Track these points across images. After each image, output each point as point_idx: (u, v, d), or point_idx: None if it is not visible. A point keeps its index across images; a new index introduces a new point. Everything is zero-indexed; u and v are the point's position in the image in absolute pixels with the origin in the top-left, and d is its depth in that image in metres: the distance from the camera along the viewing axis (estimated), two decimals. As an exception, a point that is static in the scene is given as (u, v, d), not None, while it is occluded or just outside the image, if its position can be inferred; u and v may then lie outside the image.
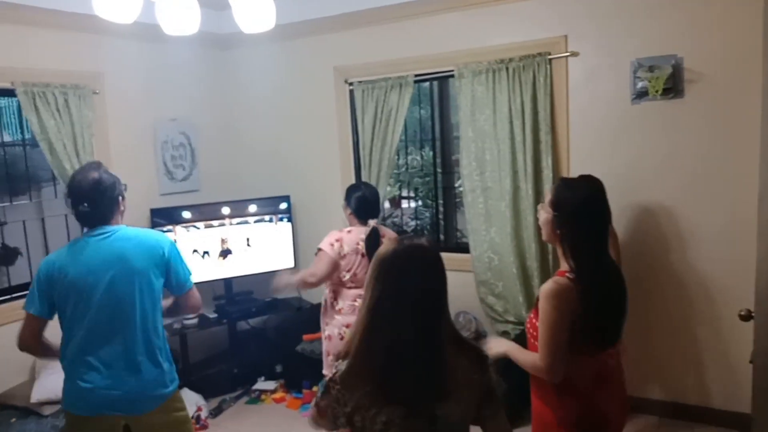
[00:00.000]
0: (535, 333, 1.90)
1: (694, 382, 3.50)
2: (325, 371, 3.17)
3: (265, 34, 4.33)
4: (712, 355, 3.42)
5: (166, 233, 4.07)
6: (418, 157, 5.57)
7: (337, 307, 3.14)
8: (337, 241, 3.11)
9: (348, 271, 3.11)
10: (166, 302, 2.41)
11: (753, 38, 3.00)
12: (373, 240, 3.04)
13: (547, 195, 1.99)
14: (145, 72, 4.26)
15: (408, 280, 1.43)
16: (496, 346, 2.06)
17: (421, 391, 1.41)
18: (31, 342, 2.24)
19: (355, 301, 3.08)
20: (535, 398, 2.01)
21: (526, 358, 1.94)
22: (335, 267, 3.09)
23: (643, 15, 3.36)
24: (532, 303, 3.64)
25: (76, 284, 2.17)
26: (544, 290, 1.85)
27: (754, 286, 1.95)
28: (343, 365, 1.46)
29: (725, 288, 3.31)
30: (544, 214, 1.97)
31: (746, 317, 2.00)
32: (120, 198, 2.30)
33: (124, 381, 2.18)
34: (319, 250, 3.12)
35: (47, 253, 4.00)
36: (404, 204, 5.87)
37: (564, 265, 1.92)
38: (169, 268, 2.30)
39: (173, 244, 2.36)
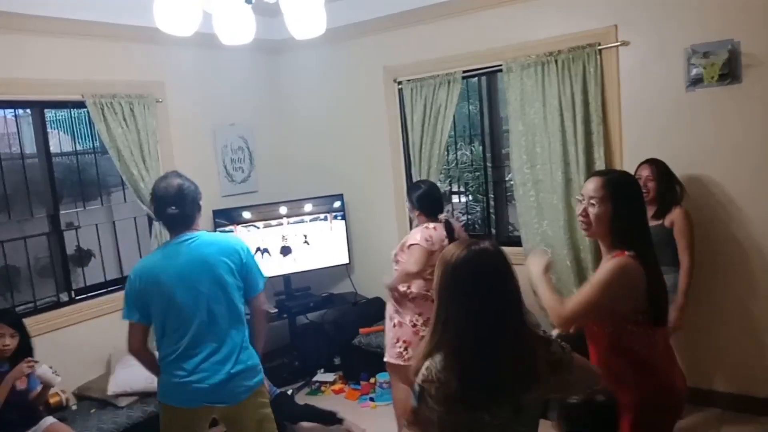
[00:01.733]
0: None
1: (762, 374, 3.40)
2: (387, 358, 3.24)
3: (316, 38, 4.48)
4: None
5: (228, 233, 4.31)
6: (468, 153, 5.59)
7: (411, 296, 3.18)
8: (428, 238, 3.14)
9: (432, 264, 3.14)
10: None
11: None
12: (451, 233, 3.17)
13: (595, 190, 1.94)
14: (203, 79, 4.45)
15: (484, 285, 1.49)
16: (532, 263, 2.08)
17: (507, 383, 1.48)
18: (139, 348, 2.41)
19: (428, 291, 3.11)
20: (609, 380, 1.92)
21: (549, 296, 1.95)
22: (429, 259, 3.08)
23: (689, 3, 3.29)
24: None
25: (170, 289, 2.32)
26: (615, 262, 1.86)
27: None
28: (434, 363, 1.50)
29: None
30: (599, 208, 1.93)
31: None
32: (200, 203, 2.46)
33: (217, 373, 2.34)
34: (412, 245, 3.14)
35: (118, 253, 4.25)
36: (455, 199, 5.90)
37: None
38: (246, 271, 2.46)
39: (249, 248, 2.52)
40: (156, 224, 3.87)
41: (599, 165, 3.59)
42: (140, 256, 4.35)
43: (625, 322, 1.89)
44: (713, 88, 3.28)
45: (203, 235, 2.43)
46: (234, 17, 2.48)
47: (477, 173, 5.27)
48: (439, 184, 4.28)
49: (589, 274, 3.66)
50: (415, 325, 3.16)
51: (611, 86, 3.57)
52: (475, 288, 1.49)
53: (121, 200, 4.37)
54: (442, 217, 3.26)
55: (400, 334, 3.20)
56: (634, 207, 1.94)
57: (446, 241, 3.12)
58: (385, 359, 3.26)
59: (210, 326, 2.35)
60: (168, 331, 2.36)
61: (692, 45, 3.30)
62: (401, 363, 3.12)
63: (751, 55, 3.16)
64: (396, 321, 3.23)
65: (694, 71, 3.31)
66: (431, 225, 3.20)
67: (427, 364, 1.52)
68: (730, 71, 3.20)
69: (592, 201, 1.95)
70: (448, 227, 3.20)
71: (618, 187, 1.94)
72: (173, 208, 2.34)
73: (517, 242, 4.04)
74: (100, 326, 3.73)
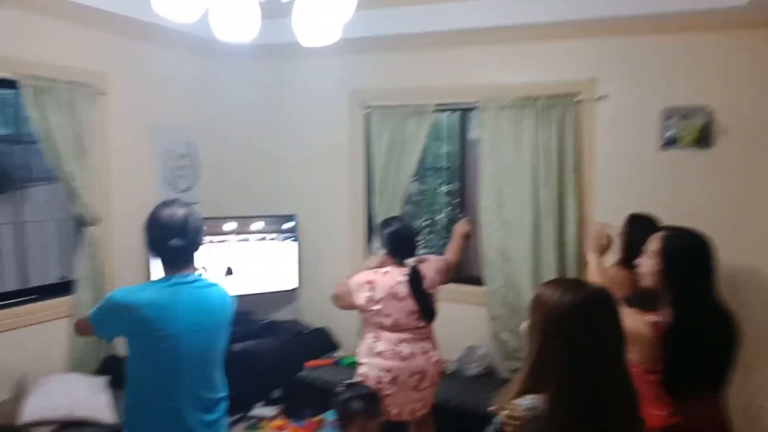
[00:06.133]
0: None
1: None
2: None
3: (281, 51, 4.27)
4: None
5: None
6: (433, 187, 5.48)
7: (376, 350, 2.91)
8: (368, 283, 2.89)
9: (387, 316, 2.88)
10: None
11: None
12: (417, 283, 2.88)
13: (653, 244, 1.99)
14: (152, 76, 4.06)
15: (597, 331, 1.44)
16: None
17: (621, 427, 1.45)
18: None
19: (397, 345, 2.87)
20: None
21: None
22: (353, 308, 2.96)
23: (674, 65, 3.43)
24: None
25: (174, 336, 2.02)
26: (633, 321, 1.86)
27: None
28: (532, 405, 1.44)
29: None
30: (651, 263, 1.98)
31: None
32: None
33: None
34: (353, 278, 2.95)
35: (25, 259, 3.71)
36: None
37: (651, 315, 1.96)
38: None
39: None
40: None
41: (570, 212, 3.63)
42: (59, 265, 3.84)
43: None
44: (685, 151, 3.41)
45: (206, 280, 2.18)
46: (237, 12, 2.25)
47: (432, 207, 5.19)
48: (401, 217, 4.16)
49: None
50: (380, 382, 2.87)
51: (587, 136, 3.63)
52: (592, 332, 1.43)
53: (36, 197, 3.82)
54: (410, 261, 2.95)
55: None
56: (690, 263, 1.94)
57: (398, 288, 2.86)
58: None
59: (201, 382, 2.14)
60: (156, 376, 2.07)
61: (669, 106, 3.43)
62: None
63: (724, 123, 3.33)
64: (361, 372, 2.95)
65: (669, 132, 3.43)
66: (383, 270, 2.93)
67: (526, 403, 1.44)
68: (705, 136, 3.34)
69: (647, 256, 2.00)
70: (414, 275, 2.89)
71: (671, 243, 1.96)
72: (178, 240, 2.05)
73: (477, 282, 3.97)
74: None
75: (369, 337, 2.98)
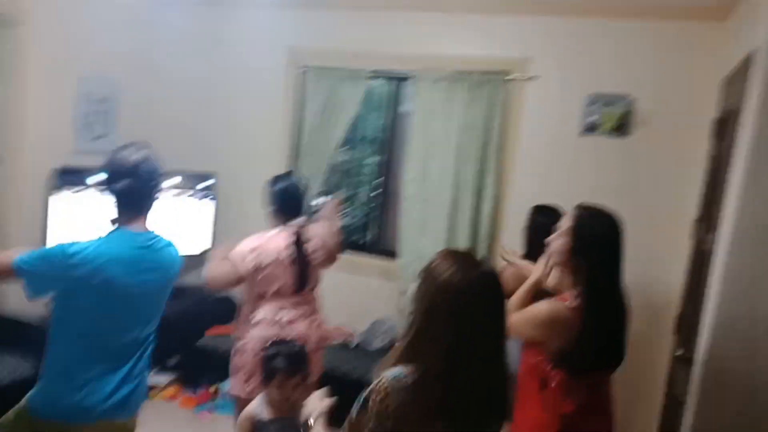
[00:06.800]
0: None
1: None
2: (233, 390, 2.79)
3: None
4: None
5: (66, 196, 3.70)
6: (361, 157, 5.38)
7: (255, 320, 2.71)
8: (252, 251, 2.68)
9: (271, 283, 2.70)
10: None
11: (701, 92, 3.16)
12: (298, 248, 2.71)
13: (566, 222, 1.97)
14: (74, 13, 3.81)
15: (488, 311, 1.43)
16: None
17: (487, 412, 1.45)
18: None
19: (276, 313, 2.70)
20: (520, 407, 1.97)
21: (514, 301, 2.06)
22: (240, 281, 2.72)
23: (604, 51, 3.44)
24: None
25: (117, 292, 1.95)
26: (544, 311, 1.89)
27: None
28: (398, 376, 1.42)
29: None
30: (562, 239, 1.95)
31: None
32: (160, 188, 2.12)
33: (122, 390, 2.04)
34: (230, 257, 2.71)
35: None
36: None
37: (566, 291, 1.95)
38: None
39: None
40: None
41: (489, 191, 3.61)
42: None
43: (547, 360, 1.91)
44: (603, 138, 3.42)
45: (162, 239, 2.15)
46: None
47: (357, 178, 5.09)
48: (319, 184, 4.06)
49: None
50: (257, 355, 2.59)
51: (514, 116, 3.61)
52: (479, 313, 1.42)
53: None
54: (295, 222, 2.75)
55: (241, 363, 2.75)
56: (602, 246, 1.92)
57: (283, 254, 2.69)
58: (231, 390, 2.83)
59: (133, 344, 2.12)
60: (85, 331, 1.97)
61: (594, 93, 3.43)
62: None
63: (643, 113, 3.35)
64: (238, 346, 2.77)
65: (590, 118, 3.43)
66: (268, 234, 2.74)
67: (392, 373, 1.42)
68: (624, 125, 3.36)
69: (559, 232, 1.97)
70: (298, 239, 2.73)
71: (585, 222, 1.93)
72: (129, 181, 1.98)
73: (392, 256, 3.92)
74: None
75: (246, 308, 2.81)
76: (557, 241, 1.97)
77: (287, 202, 2.79)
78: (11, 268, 1.86)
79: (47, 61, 3.69)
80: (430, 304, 1.43)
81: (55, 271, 1.87)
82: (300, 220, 2.79)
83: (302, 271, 2.74)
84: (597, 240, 1.91)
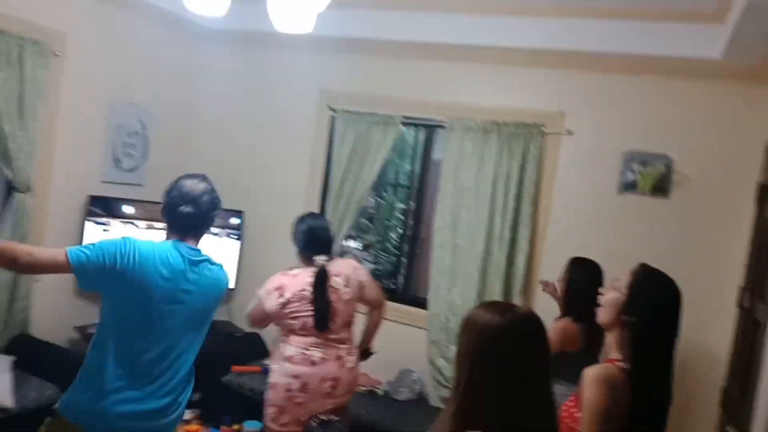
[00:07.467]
0: (573, 424, 1.73)
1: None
2: (265, 423, 2.78)
3: (254, 38, 4.14)
4: None
5: (100, 226, 3.68)
6: (383, 201, 5.39)
7: (286, 354, 2.73)
8: (277, 289, 2.72)
9: (295, 319, 2.71)
10: None
11: (743, 155, 3.15)
12: (320, 284, 2.71)
13: (624, 276, 1.83)
14: (112, 43, 3.86)
15: (527, 353, 1.37)
16: None
17: None
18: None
19: (307, 349, 2.71)
20: None
21: None
22: (269, 319, 2.76)
23: (638, 110, 3.43)
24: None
25: (155, 296, 1.98)
26: (593, 374, 1.69)
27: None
28: None
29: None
30: (615, 294, 1.82)
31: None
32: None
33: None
34: (257, 294, 2.78)
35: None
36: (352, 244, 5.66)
37: (614, 354, 1.79)
38: None
39: None
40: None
41: (522, 244, 3.56)
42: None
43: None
44: (644, 197, 3.39)
45: (212, 259, 2.18)
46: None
47: (386, 222, 5.07)
48: (347, 227, 4.04)
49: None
50: (289, 390, 2.68)
51: (549, 170, 3.59)
52: (521, 354, 1.36)
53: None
54: (319, 260, 2.76)
55: (274, 398, 2.74)
56: (659, 311, 1.77)
57: (308, 290, 2.69)
58: (265, 422, 2.82)
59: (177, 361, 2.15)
60: (133, 343, 2.01)
61: (630, 150, 3.41)
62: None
63: (681, 174, 3.33)
64: (272, 381, 2.76)
65: (629, 176, 3.42)
66: (293, 272, 2.77)
67: None
68: (663, 185, 3.34)
69: (613, 285, 1.84)
70: (321, 276, 2.72)
71: (645, 281, 1.79)
72: (189, 207, 2.06)
73: (421, 304, 3.86)
74: None
75: (281, 342, 2.81)
76: (610, 295, 1.87)
77: (313, 242, 2.82)
78: (65, 257, 1.89)
79: (83, 92, 3.73)
80: (473, 353, 1.39)
81: (107, 262, 1.91)
82: (324, 257, 2.79)
83: (325, 308, 2.72)
84: (654, 302, 1.80)
